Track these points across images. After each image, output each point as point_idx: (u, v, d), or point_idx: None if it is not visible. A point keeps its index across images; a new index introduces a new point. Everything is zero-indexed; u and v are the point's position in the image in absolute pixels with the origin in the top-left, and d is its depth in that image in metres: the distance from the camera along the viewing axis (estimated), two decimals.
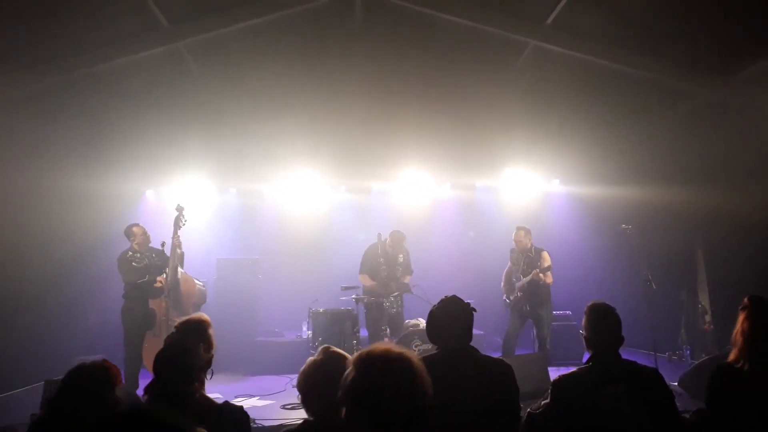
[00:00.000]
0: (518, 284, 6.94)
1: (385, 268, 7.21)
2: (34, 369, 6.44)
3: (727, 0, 6.11)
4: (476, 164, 9.25)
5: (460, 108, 8.16)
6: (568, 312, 8.45)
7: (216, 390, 6.08)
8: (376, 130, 8.39)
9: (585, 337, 2.95)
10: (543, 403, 2.92)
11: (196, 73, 7.57)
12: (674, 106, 7.97)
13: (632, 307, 6.25)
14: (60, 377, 2.54)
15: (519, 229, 7.06)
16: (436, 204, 10.11)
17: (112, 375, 2.51)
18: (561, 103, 7.93)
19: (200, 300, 6.74)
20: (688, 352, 7.95)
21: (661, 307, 7.20)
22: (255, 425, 4.83)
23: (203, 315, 3.14)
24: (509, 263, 7.23)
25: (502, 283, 7.23)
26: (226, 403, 2.73)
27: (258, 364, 7.99)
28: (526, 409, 3.00)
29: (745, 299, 2.89)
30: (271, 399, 6.31)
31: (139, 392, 5.10)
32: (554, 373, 3.65)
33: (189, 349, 2.67)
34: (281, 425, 4.85)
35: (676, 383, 5.79)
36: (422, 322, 6.96)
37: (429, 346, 5.24)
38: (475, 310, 3.06)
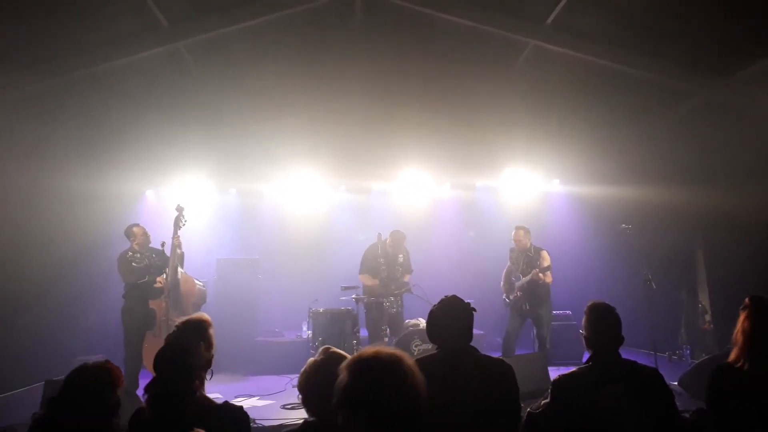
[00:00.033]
0: (518, 284, 6.94)
1: (385, 268, 7.21)
2: (34, 369, 6.44)
3: (727, 0, 6.12)
4: (476, 164, 9.26)
5: (460, 108, 8.16)
6: (568, 312, 8.46)
7: (216, 390, 6.08)
8: (376, 130, 8.40)
9: (585, 337, 2.95)
10: (543, 402, 2.92)
11: (196, 73, 7.58)
12: (674, 106, 7.98)
13: (632, 307, 6.25)
14: (60, 377, 2.55)
15: (518, 228, 7.06)
16: (436, 204, 10.11)
17: (114, 376, 2.52)
18: (561, 103, 7.93)
19: (200, 300, 6.74)
20: (688, 351, 7.95)
21: (661, 307, 7.21)
22: (255, 425, 4.83)
23: (204, 315, 3.14)
24: (509, 263, 7.24)
25: (502, 283, 7.23)
26: (226, 403, 2.73)
27: (258, 364, 7.99)
28: (526, 409, 3.01)
29: (746, 299, 2.91)
30: (271, 399, 6.31)
31: (139, 392, 5.10)
32: (554, 373, 3.65)
33: (189, 348, 2.67)
34: (281, 425, 4.86)
35: (676, 383, 5.79)
36: (422, 322, 6.96)
37: (429, 345, 5.25)
38: (475, 310, 3.06)
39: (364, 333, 7.38)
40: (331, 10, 7.21)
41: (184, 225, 6.51)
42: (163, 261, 6.43)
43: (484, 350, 3.15)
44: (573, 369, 2.99)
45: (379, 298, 7.04)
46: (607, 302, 3.01)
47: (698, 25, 6.54)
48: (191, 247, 7.20)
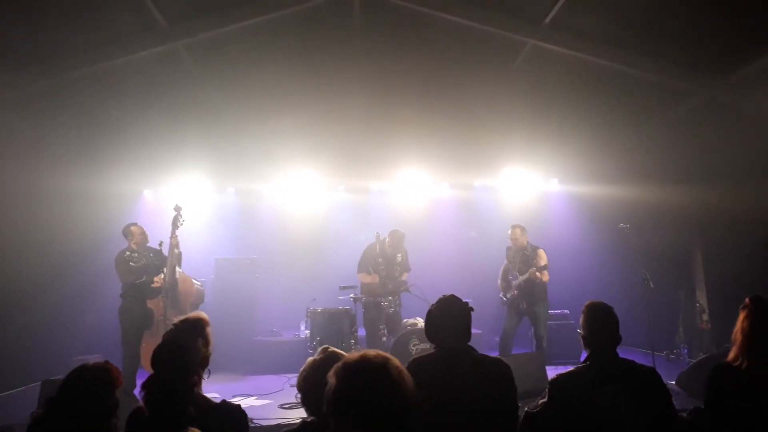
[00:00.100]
0: (515, 282, 6.95)
1: (383, 267, 7.22)
2: (31, 369, 6.44)
3: (727, 0, 6.12)
4: (475, 164, 9.27)
5: (459, 107, 8.16)
6: (565, 311, 8.47)
7: (213, 390, 6.07)
8: (374, 130, 8.40)
9: (582, 336, 2.95)
10: (541, 401, 2.92)
11: (195, 73, 7.57)
12: (674, 106, 7.99)
13: (630, 306, 6.27)
14: (58, 377, 2.55)
15: (515, 227, 7.07)
16: (434, 203, 10.12)
17: (113, 377, 2.52)
18: (559, 103, 7.94)
19: (198, 300, 6.74)
20: (686, 350, 7.98)
21: (658, 306, 7.23)
22: (253, 425, 4.83)
23: (202, 313, 3.14)
24: (505, 261, 7.25)
25: (499, 281, 7.25)
26: (224, 402, 2.73)
27: (256, 363, 7.99)
28: (523, 408, 3.01)
29: (747, 299, 2.92)
30: (268, 399, 6.31)
31: (137, 392, 5.09)
32: (552, 372, 3.65)
33: (187, 346, 2.67)
34: (279, 425, 4.87)
35: (673, 382, 5.81)
36: (420, 322, 6.97)
37: (427, 345, 5.26)
38: (472, 309, 3.07)
39: (362, 332, 7.38)
40: (330, 10, 7.21)
41: (182, 224, 6.50)
42: (161, 260, 6.43)
43: (482, 349, 3.15)
44: (571, 368, 2.99)
45: (377, 298, 7.05)
46: (604, 301, 3.01)
47: (698, 25, 6.55)
48: (189, 246, 7.19)
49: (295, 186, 9.48)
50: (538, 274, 6.66)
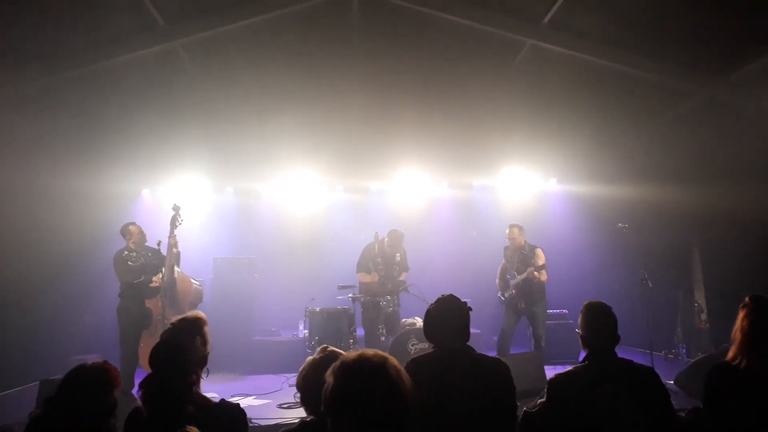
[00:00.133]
0: (513, 282, 6.95)
1: (382, 267, 7.22)
2: (30, 368, 6.42)
3: (727, 0, 6.13)
4: (473, 163, 9.27)
5: (457, 107, 8.16)
6: (564, 311, 8.47)
7: (212, 389, 6.06)
8: (373, 130, 8.40)
9: (581, 336, 2.96)
10: (539, 401, 2.92)
11: (193, 72, 7.57)
12: (673, 106, 7.99)
13: (628, 306, 6.27)
14: (56, 377, 2.54)
15: (512, 226, 7.07)
16: (433, 203, 10.12)
17: (112, 377, 2.52)
18: (558, 102, 7.94)
19: (197, 299, 6.73)
20: (684, 350, 7.98)
21: (657, 306, 7.23)
22: (251, 425, 4.83)
23: (199, 312, 3.13)
24: (503, 260, 7.25)
25: (497, 280, 7.25)
26: (223, 401, 2.72)
27: (254, 363, 7.98)
28: (522, 408, 3.01)
29: (747, 298, 2.92)
30: (267, 398, 6.30)
31: (135, 391, 5.09)
32: (550, 372, 3.65)
33: (185, 345, 2.67)
34: (277, 425, 4.86)
35: (672, 382, 5.81)
36: (419, 321, 6.97)
37: (426, 344, 5.25)
38: (471, 309, 3.07)
39: (360, 332, 7.38)
40: (328, 10, 7.21)
41: (180, 224, 6.50)
42: (160, 260, 6.42)
43: (481, 349, 3.15)
44: (569, 368, 2.99)
45: (376, 297, 7.05)
46: (603, 301, 3.02)
47: (698, 25, 6.55)
48: (188, 246, 7.18)
49: (294, 185, 9.46)
50: (536, 273, 6.66)
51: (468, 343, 3.00)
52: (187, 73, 7.55)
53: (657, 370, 2.94)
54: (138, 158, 8.24)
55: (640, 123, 8.26)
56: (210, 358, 3.00)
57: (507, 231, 7.08)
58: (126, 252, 6.38)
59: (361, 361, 1.75)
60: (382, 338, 6.94)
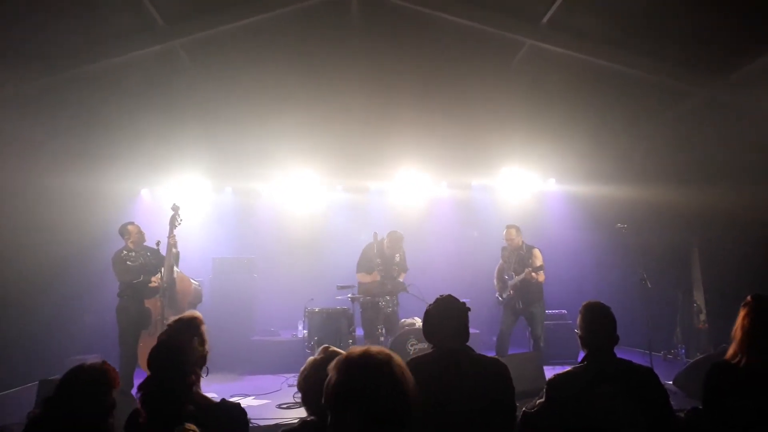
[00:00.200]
0: (510, 282, 6.96)
1: (382, 268, 7.22)
2: (29, 369, 6.41)
3: (727, 0, 6.13)
4: (473, 163, 9.27)
5: (457, 107, 8.16)
6: (563, 311, 8.47)
7: (211, 389, 6.06)
8: (372, 129, 8.39)
9: (580, 336, 2.96)
10: (538, 402, 2.92)
11: (192, 72, 7.56)
12: (673, 106, 7.99)
13: (627, 306, 6.26)
14: (55, 377, 2.54)
15: (509, 227, 7.08)
16: (432, 203, 10.12)
17: (110, 377, 2.52)
18: (557, 103, 7.94)
19: (196, 299, 6.73)
20: (683, 350, 7.99)
21: (656, 306, 7.22)
22: (251, 425, 4.82)
23: (195, 312, 3.12)
24: (501, 261, 7.25)
25: (495, 281, 7.26)
26: (223, 401, 2.72)
27: (254, 363, 7.98)
28: (521, 408, 3.01)
29: (748, 296, 2.92)
30: (266, 398, 6.30)
31: (134, 391, 5.08)
32: (549, 372, 3.65)
33: (183, 345, 2.67)
34: (277, 425, 4.86)
35: (670, 382, 5.81)
36: (418, 322, 6.97)
37: (425, 345, 5.25)
38: (470, 309, 3.06)
39: (360, 332, 7.39)
40: (327, 9, 7.20)
41: (179, 224, 6.49)
42: (159, 260, 6.42)
43: (480, 349, 3.15)
44: (568, 368, 2.99)
45: (375, 298, 7.05)
46: (602, 301, 3.02)
47: (698, 25, 6.54)
48: (187, 246, 7.17)
49: (294, 185, 9.45)
50: (533, 274, 6.67)
51: (467, 344, 3.00)
52: (187, 73, 7.54)
53: (656, 371, 2.94)
54: (137, 158, 8.24)
55: (639, 123, 8.26)
56: (209, 357, 3.00)
57: (504, 232, 7.09)
58: (125, 252, 6.38)
59: (366, 357, 1.74)
60: (381, 338, 6.93)
